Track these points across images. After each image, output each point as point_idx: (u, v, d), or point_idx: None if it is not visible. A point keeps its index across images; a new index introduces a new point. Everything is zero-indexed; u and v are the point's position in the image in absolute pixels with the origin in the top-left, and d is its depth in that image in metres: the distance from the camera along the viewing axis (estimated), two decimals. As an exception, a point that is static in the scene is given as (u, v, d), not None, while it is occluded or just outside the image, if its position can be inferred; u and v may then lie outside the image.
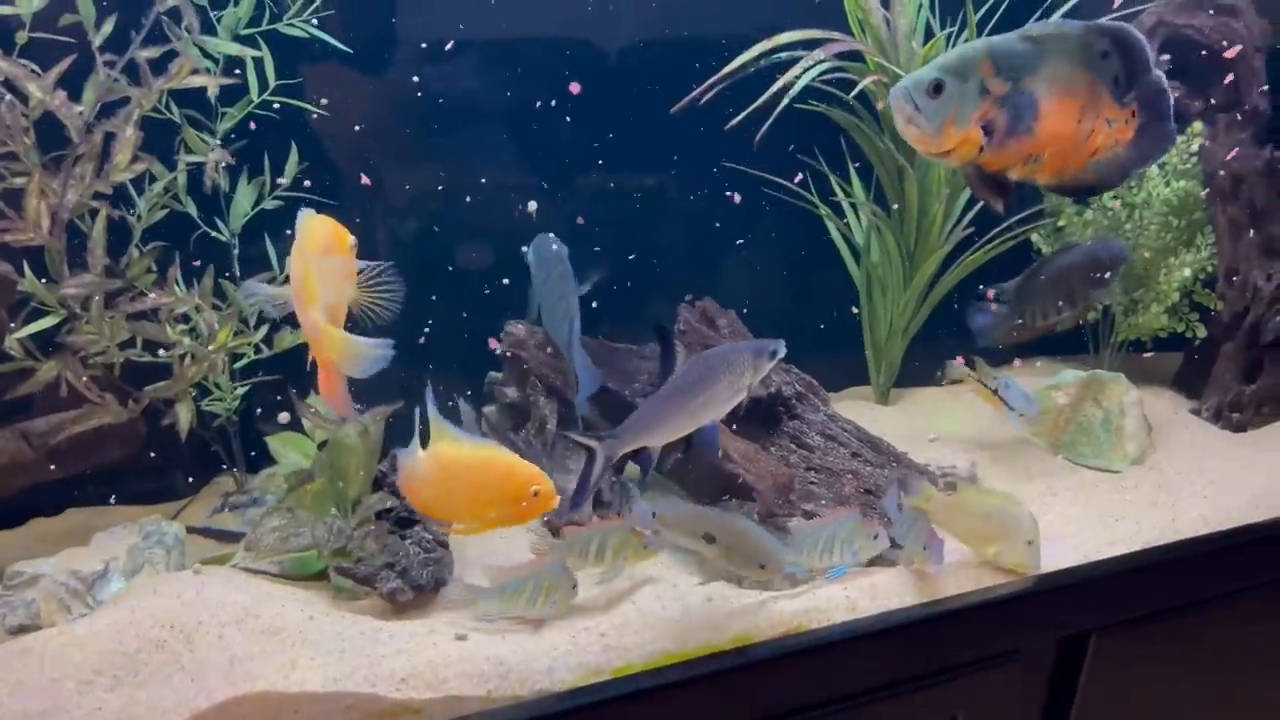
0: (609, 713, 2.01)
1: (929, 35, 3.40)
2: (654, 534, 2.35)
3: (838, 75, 3.29)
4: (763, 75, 3.14)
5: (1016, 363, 3.57)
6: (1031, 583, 2.45)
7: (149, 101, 2.56)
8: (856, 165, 3.66)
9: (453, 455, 2.01)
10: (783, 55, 3.14)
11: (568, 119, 3.23)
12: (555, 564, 2.27)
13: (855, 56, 3.35)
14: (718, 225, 3.51)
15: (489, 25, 3.18)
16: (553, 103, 3.20)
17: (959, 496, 2.46)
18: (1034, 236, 3.72)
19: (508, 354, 3.06)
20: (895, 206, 3.57)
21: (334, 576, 2.44)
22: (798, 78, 3.08)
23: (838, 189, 3.62)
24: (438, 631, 2.26)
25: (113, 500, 3.00)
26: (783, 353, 2.21)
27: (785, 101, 3.05)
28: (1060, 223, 3.65)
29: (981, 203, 3.48)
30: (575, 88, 2.98)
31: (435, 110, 3.22)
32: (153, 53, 2.60)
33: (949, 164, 1.93)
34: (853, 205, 3.68)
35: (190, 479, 3.15)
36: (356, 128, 3.07)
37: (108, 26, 2.56)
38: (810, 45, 3.15)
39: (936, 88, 1.81)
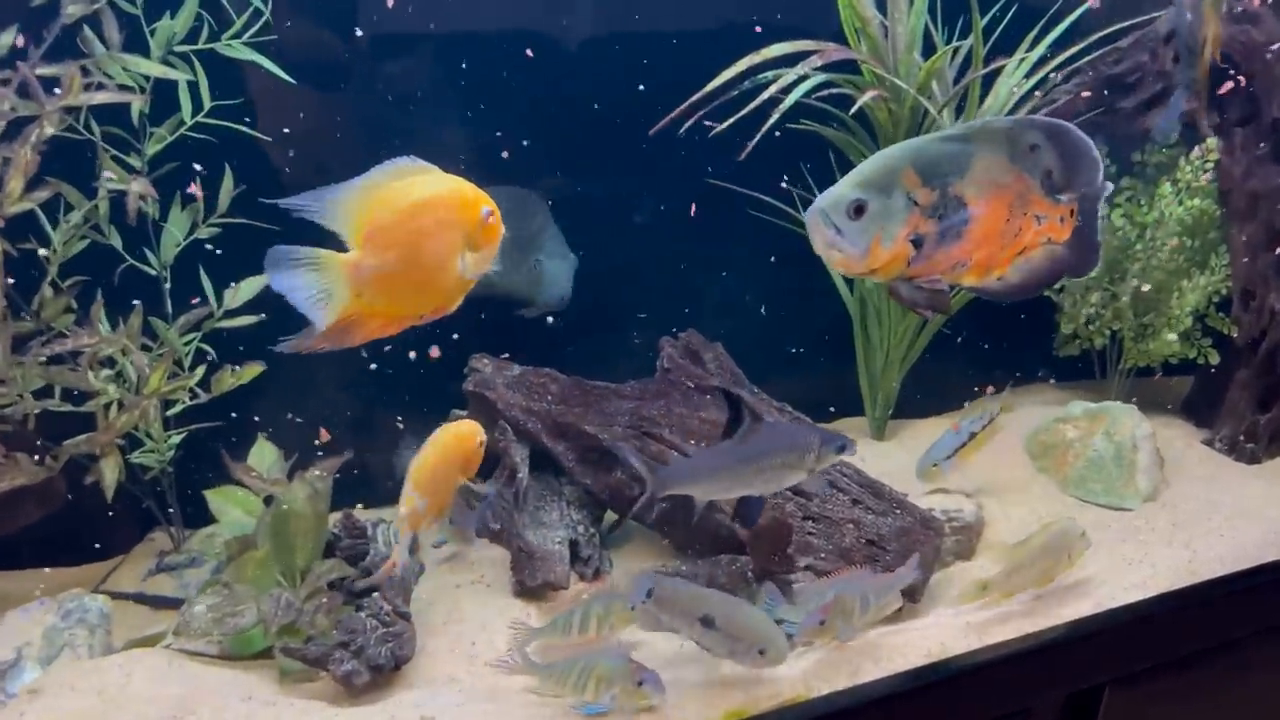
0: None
1: (929, 45, 3.24)
2: (644, 613, 2.16)
3: (832, 91, 3.12)
4: (756, 87, 2.97)
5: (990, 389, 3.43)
6: (1041, 638, 2.38)
7: (51, 122, 2.33)
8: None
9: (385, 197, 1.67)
10: (768, 74, 2.96)
11: (537, 133, 3.06)
12: (612, 651, 2.06)
13: (850, 68, 3.17)
14: (701, 245, 3.34)
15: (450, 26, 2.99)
16: (518, 121, 3.04)
17: (1013, 560, 2.50)
18: None
19: (473, 391, 2.85)
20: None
21: (280, 658, 2.22)
22: (786, 92, 2.90)
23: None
24: (399, 718, 2.06)
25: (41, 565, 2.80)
26: (852, 452, 2.21)
27: (776, 117, 2.87)
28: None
29: None
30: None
31: (394, 127, 3.02)
32: (55, 70, 2.37)
33: (875, 280, 1.87)
34: None
35: (124, 537, 2.92)
36: (293, 150, 2.85)
37: (5, 38, 2.33)
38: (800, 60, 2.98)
39: (858, 209, 1.71)
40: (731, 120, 2.89)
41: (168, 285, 2.75)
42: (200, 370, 2.74)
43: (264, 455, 2.59)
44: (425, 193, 1.67)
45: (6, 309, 2.38)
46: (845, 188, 1.72)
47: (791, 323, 3.53)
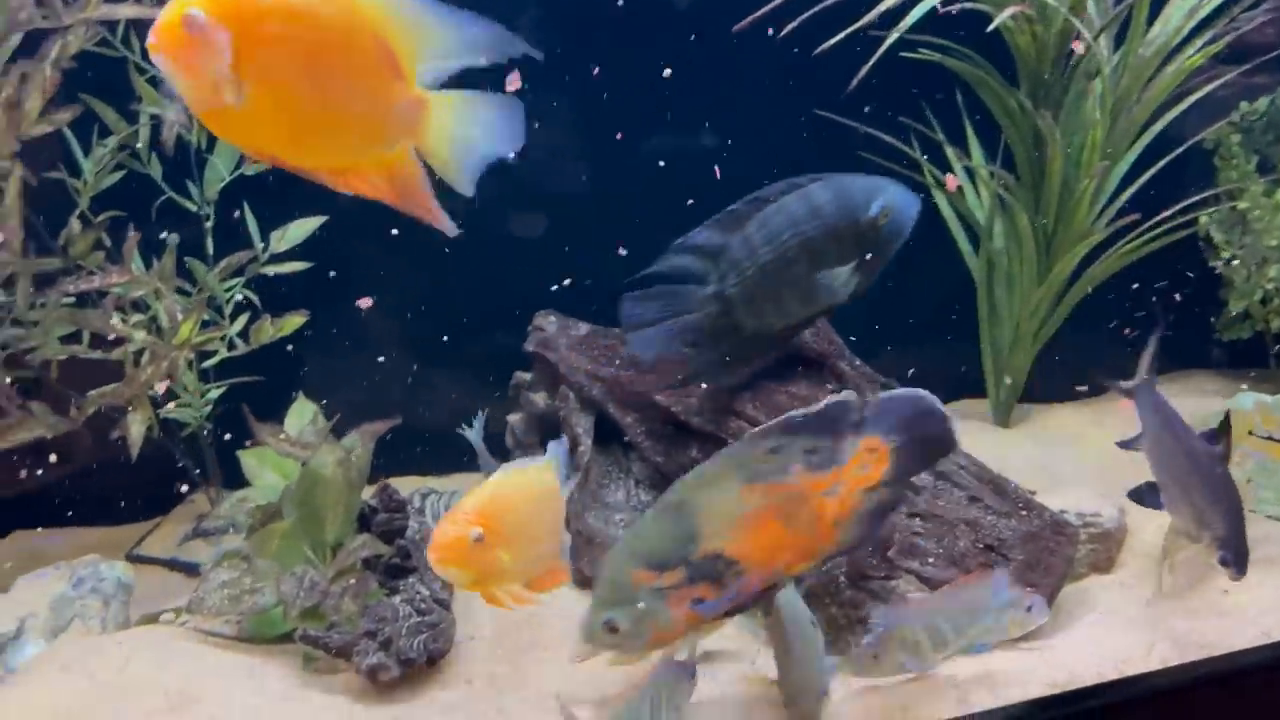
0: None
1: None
2: None
3: (964, 5, 2.78)
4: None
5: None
6: (1192, 673, 2.12)
7: (77, 36, 2.15)
8: (976, 118, 3.20)
9: None
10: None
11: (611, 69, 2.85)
12: (666, 670, 1.93)
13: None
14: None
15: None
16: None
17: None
18: (1202, 219, 3.21)
19: (534, 351, 2.68)
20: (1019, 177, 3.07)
21: (302, 643, 2.04)
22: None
23: (951, 156, 3.17)
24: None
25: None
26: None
27: (895, 37, 2.57)
28: (1243, 204, 3.10)
29: (1144, 179, 3.00)
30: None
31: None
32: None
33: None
34: (970, 175, 3.23)
35: (164, 497, 2.82)
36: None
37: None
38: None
39: (612, 629, 1.80)
40: (839, 37, 2.62)
41: (209, 224, 2.58)
42: (242, 320, 2.58)
43: (303, 414, 2.40)
44: None
45: (27, 243, 2.22)
46: (592, 614, 1.81)
47: (904, 288, 3.20)
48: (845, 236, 2.27)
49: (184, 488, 2.79)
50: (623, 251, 2.59)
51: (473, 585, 1.73)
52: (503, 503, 1.76)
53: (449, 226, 1.44)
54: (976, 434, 3.09)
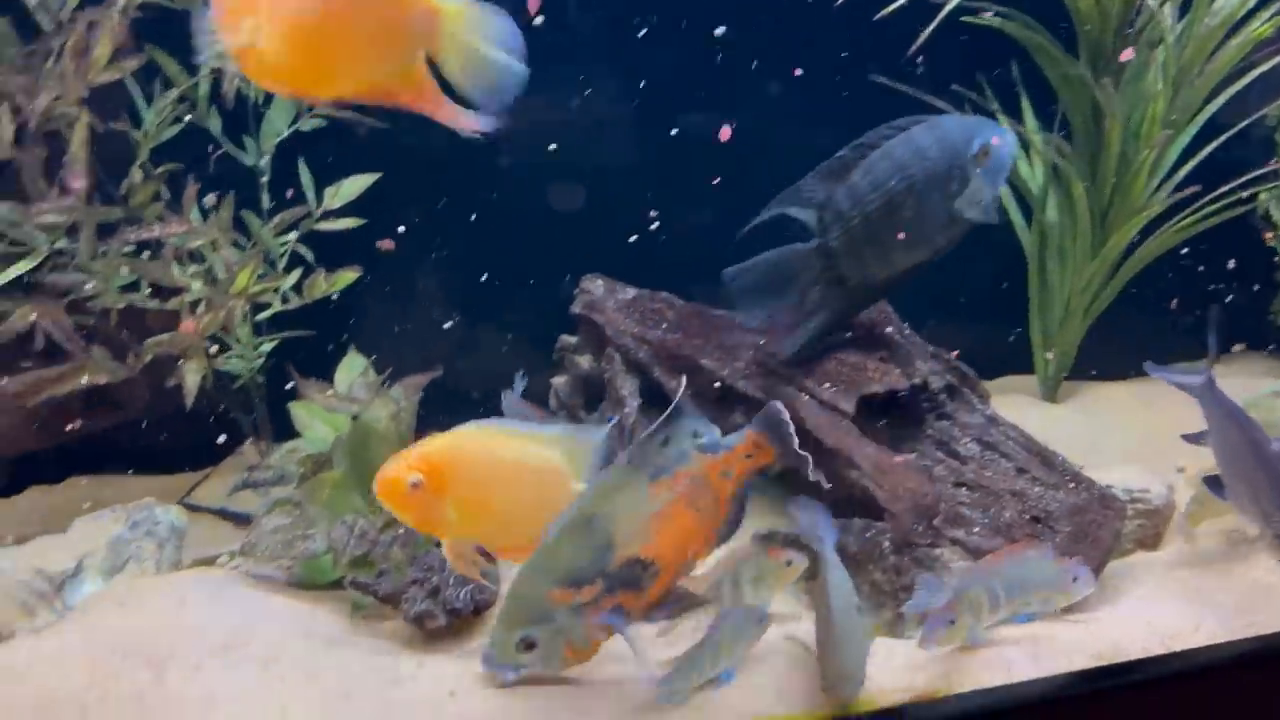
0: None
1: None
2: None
3: None
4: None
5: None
6: (1235, 649, 2.10)
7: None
8: (1031, 89, 3.15)
9: None
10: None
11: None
12: (735, 614, 1.95)
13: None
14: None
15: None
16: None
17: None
18: (1261, 196, 3.16)
19: (581, 314, 2.68)
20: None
21: (351, 592, 2.07)
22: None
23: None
24: (475, 670, 1.90)
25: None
26: None
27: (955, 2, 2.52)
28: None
29: (1204, 154, 2.94)
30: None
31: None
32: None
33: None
34: (1025, 145, 3.17)
35: (214, 448, 2.83)
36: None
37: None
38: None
39: (529, 645, 1.80)
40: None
41: (265, 179, 2.61)
42: (295, 274, 2.61)
43: (354, 367, 2.43)
44: None
45: (94, 189, 2.26)
46: (503, 630, 1.80)
47: (954, 260, 3.17)
48: (949, 178, 2.24)
49: (234, 439, 2.84)
50: (654, 217, 2.60)
51: (422, 529, 1.76)
52: (457, 458, 1.75)
53: (473, 124, 1.53)
54: (1024, 409, 3.06)
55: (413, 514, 1.74)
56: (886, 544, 2.28)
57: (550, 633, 1.79)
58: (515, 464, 1.80)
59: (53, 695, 1.70)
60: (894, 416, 2.50)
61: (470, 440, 1.79)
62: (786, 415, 1.89)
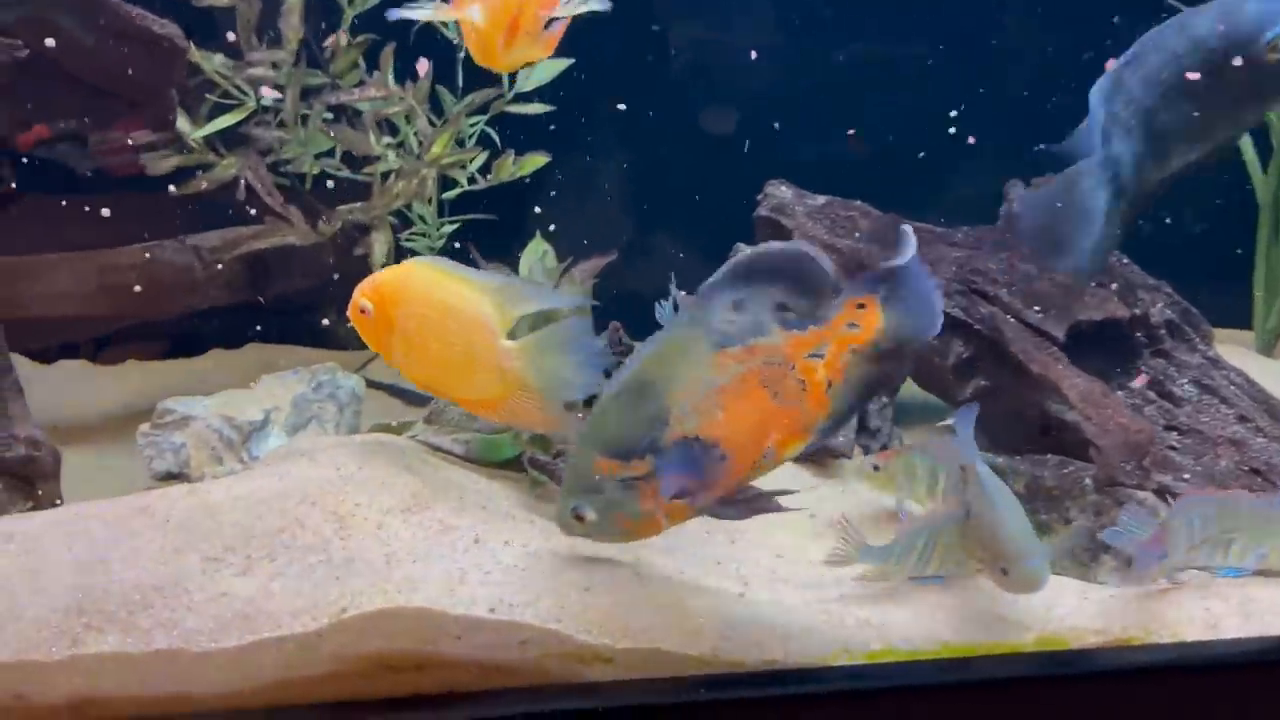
0: (841, 708, 1.67)
1: None
2: None
3: None
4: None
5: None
6: None
7: None
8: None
9: None
10: None
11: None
12: (951, 515, 1.86)
13: None
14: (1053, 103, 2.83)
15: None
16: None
17: None
18: None
19: (766, 216, 2.61)
20: None
21: (530, 469, 2.06)
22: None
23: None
24: (647, 562, 1.87)
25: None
26: None
27: None
28: None
29: None
30: None
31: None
32: None
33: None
34: None
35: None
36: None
37: None
38: None
39: (579, 516, 1.67)
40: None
41: (461, 54, 2.58)
42: (483, 155, 2.59)
43: (536, 252, 2.41)
44: None
45: (301, 51, 2.28)
46: (561, 499, 1.70)
47: (1173, 201, 2.97)
48: (1235, 69, 2.00)
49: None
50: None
51: (387, 360, 1.76)
52: (399, 293, 1.71)
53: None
54: (1241, 361, 2.83)
55: (370, 340, 1.75)
56: (1088, 481, 2.17)
57: (601, 504, 1.62)
58: (445, 307, 1.75)
59: (248, 532, 1.73)
60: (1107, 347, 2.38)
61: (415, 277, 1.74)
62: (913, 252, 1.55)
